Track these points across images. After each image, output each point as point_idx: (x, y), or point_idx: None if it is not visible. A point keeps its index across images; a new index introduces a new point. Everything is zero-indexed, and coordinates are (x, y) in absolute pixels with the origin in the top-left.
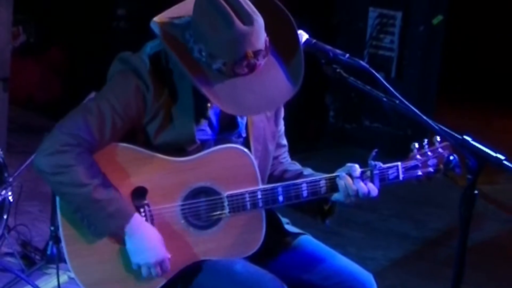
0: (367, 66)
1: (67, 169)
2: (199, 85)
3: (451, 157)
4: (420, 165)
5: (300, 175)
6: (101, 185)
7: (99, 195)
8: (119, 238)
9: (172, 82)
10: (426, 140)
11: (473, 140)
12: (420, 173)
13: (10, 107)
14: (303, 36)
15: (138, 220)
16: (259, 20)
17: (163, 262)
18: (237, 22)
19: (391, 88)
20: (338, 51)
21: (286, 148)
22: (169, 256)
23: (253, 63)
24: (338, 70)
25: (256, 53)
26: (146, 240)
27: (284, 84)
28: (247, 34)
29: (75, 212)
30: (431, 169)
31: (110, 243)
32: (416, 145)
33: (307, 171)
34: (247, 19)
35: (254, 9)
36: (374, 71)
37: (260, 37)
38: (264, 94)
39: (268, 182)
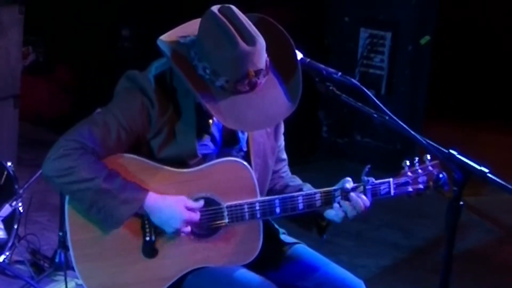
0: (359, 84)
1: (72, 169)
2: (203, 101)
3: (441, 175)
4: (410, 181)
5: (299, 191)
6: (109, 176)
7: (109, 185)
8: (133, 233)
9: (176, 99)
10: (417, 158)
11: (459, 153)
12: (410, 189)
13: (20, 123)
14: (298, 55)
15: (152, 197)
16: (261, 41)
17: (189, 219)
18: (241, 42)
19: (381, 105)
20: (331, 69)
21: (286, 162)
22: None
23: (254, 81)
24: (331, 87)
25: (258, 72)
26: (165, 210)
27: (282, 102)
28: (249, 54)
29: (90, 208)
30: (421, 186)
31: (116, 248)
32: (407, 162)
33: (307, 187)
34: (250, 40)
35: (256, 30)
36: (365, 89)
37: (262, 57)
38: (263, 111)
39: (270, 196)
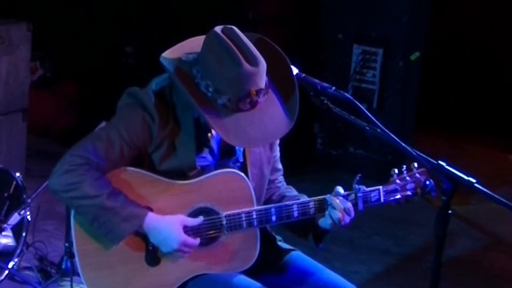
0: (352, 98)
1: (77, 185)
2: (207, 117)
3: (428, 182)
4: (399, 189)
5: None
6: (112, 194)
7: (112, 203)
8: (136, 242)
9: (175, 114)
10: (404, 166)
11: (447, 164)
12: (399, 196)
13: (28, 135)
14: (294, 70)
15: (152, 217)
16: (263, 62)
17: (185, 241)
18: (244, 63)
19: (373, 118)
20: (325, 84)
21: (281, 172)
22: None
23: (255, 100)
24: (325, 101)
25: (258, 92)
26: (163, 230)
27: (281, 120)
28: (252, 74)
29: (92, 222)
30: (409, 193)
31: (121, 256)
32: (396, 170)
33: (303, 198)
34: (253, 61)
35: (257, 51)
36: (357, 103)
37: (263, 77)
38: (263, 128)
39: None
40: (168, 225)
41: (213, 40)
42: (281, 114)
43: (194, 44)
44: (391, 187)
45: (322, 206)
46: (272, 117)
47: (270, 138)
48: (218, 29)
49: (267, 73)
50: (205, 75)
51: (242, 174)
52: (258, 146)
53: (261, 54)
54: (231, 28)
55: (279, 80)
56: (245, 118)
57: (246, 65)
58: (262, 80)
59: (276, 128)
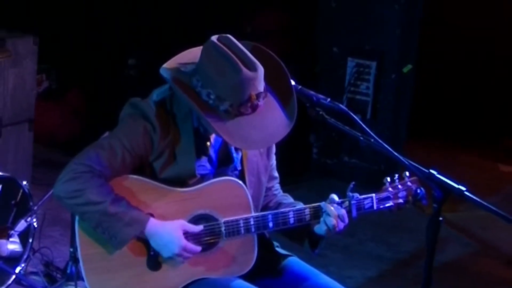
0: (346, 109)
1: (81, 192)
2: (211, 122)
3: (419, 190)
4: (391, 196)
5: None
6: (115, 200)
7: (114, 209)
8: (137, 248)
9: (175, 124)
10: (397, 175)
11: (439, 173)
12: (391, 203)
13: (35, 145)
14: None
15: (153, 222)
16: (260, 66)
17: (186, 247)
18: (243, 68)
19: (367, 128)
20: (320, 95)
21: (278, 180)
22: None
23: (256, 104)
24: (320, 112)
25: (258, 95)
26: (165, 235)
27: (281, 122)
28: (252, 79)
29: (96, 228)
30: (401, 200)
31: (123, 261)
32: (388, 179)
33: (299, 205)
34: (251, 65)
35: (253, 56)
36: (352, 114)
37: (261, 81)
38: (265, 131)
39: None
40: (170, 230)
41: (211, 49)
42: (281, 116)
43: (191, 55)
44: (383, 195)
45: (317, 213)
46: (272, 120)
47: (272, 140)
48: (214, 38)
49: (264, 79)
50: (206, 84)
51: (240, 182)
52: (261, 147)
53: (257, 60)
54: (227, 37)
55: (276, 84)
56: (247, 122)
57: (245, 71)
58: (261, 84)
59: (277, 130)
